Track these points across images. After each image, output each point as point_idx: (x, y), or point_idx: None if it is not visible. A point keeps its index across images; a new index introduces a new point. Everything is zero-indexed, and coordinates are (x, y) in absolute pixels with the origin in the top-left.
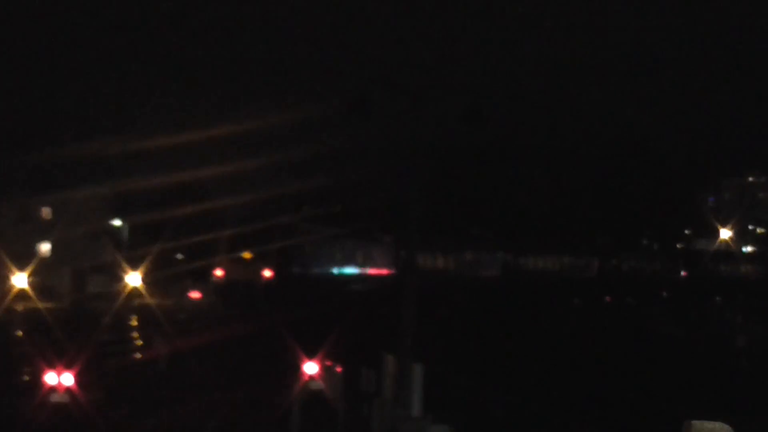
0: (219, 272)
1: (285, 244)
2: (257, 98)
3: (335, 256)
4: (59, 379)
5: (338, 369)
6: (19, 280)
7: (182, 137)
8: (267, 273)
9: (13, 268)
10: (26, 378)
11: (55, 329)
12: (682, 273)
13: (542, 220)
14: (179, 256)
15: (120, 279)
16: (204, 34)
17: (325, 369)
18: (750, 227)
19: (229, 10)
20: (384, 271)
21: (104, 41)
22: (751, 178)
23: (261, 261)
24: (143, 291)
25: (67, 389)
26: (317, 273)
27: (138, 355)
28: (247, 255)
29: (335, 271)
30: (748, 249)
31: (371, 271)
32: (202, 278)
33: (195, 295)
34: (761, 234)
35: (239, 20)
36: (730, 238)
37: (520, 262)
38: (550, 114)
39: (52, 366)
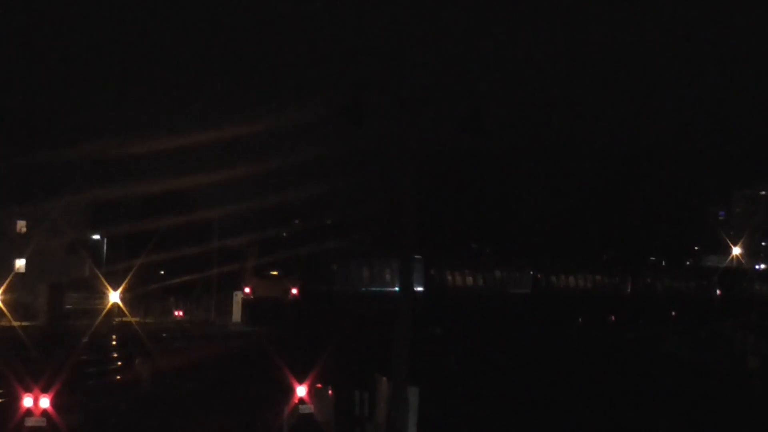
0: (246, 290)
1: (310, 261)
2: (245, 103)
3: (363, 274)
4: (36, 401)
5: (329, 392)
6: None
7: (164, 144)
8: (294, 290)
9: None
10: (0, 401)
11: (31, 349)
12: (717, 292)
13: (545, 234)
14: (162, 272)
15: (99, 295)
16: (188, 38)
17: (315, 391)
18: (763, 243)
19: (217, 12)
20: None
21: (79, 48)
22: (763, 192)
23: (288, 278)
24: (123, 308)
25: (44, 412)
26: (344, 291)
27: (119, 377)
28: (274, 272)
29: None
30: (761, 266)
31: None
32: (187, 294)
33: (179, 313)
34: None
35: (228, 22)
36: (741, 254)
37: (551, 280)
38: (554, 125)
39: (27, 388)
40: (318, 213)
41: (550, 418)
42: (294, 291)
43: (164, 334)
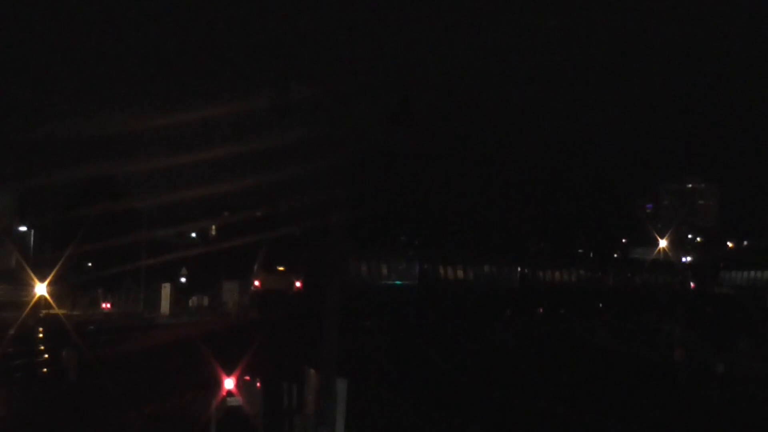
0: (256, 282)
1: (313, 257)
2: (177, 94)
3: (361, 269)
4: None
5: (258, 384)
6: None
7: (93, 134)
8: (297, 284)
9: None
10: None
11: None
12: (692, 285)
13: (474, 227)
14: (89, 263)
15: (26, 287)
16: (124, 28)
17: (243, 384)
18: (689, 236)
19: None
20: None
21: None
22: (690, 184)
23: (292, 273)
24: (50, 300)
25: None
26: (344, 284)
27: (45, 369)
28: (281, 268)
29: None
30: (687, 258)
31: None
32: (116, 286)
33: (107, 305)
34: (700, 243)
35: (165, 13)
36: (668, 247)
37: (538, 275)
38: (484, 118)
39: None
40: (248, 205)
41: (477, 409)
42: (297, 284)
43: (91, 327)
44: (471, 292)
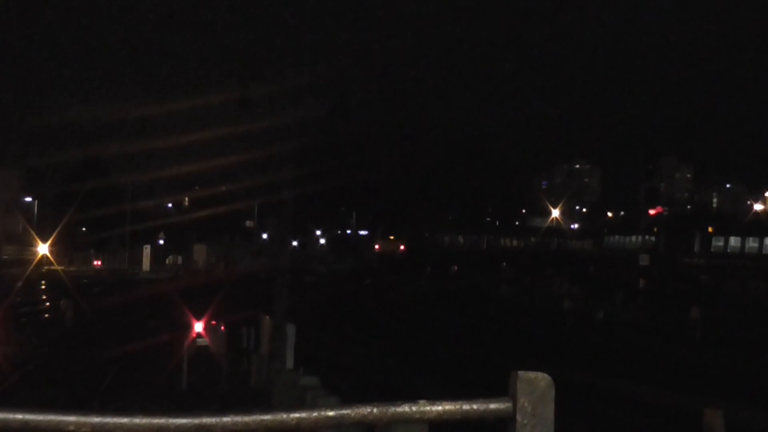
0: (376, 246)
1: (412, 229)
2: (156, 84)
3: (445, 239)
4: None
5: (222, 328)
6: None
7: (86, 119)
8: (402, 247)
9: None
10: None
11: None
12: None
13: (404, 201)
14: (83, 228)
15: (31, 248)
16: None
17: (210, 328)
18: (576, 207)
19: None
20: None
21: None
22: (578, 165)
23: (399, 240)
24: (51, 258)
25: None
26: (433, 248)
27: (47, 315)
28: (391, 237)
29: None
30: (575, 226)
31: None
32: (105, 247)
33: (98, 262)
34: (585, 213)
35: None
36: (560, 216)
37: (499, 242)
38: (410, 111)
39: None
40: (214, 182)
41: (401, 349)
42: (402, 247)
43: (85, 280)
44: (402, 254)
